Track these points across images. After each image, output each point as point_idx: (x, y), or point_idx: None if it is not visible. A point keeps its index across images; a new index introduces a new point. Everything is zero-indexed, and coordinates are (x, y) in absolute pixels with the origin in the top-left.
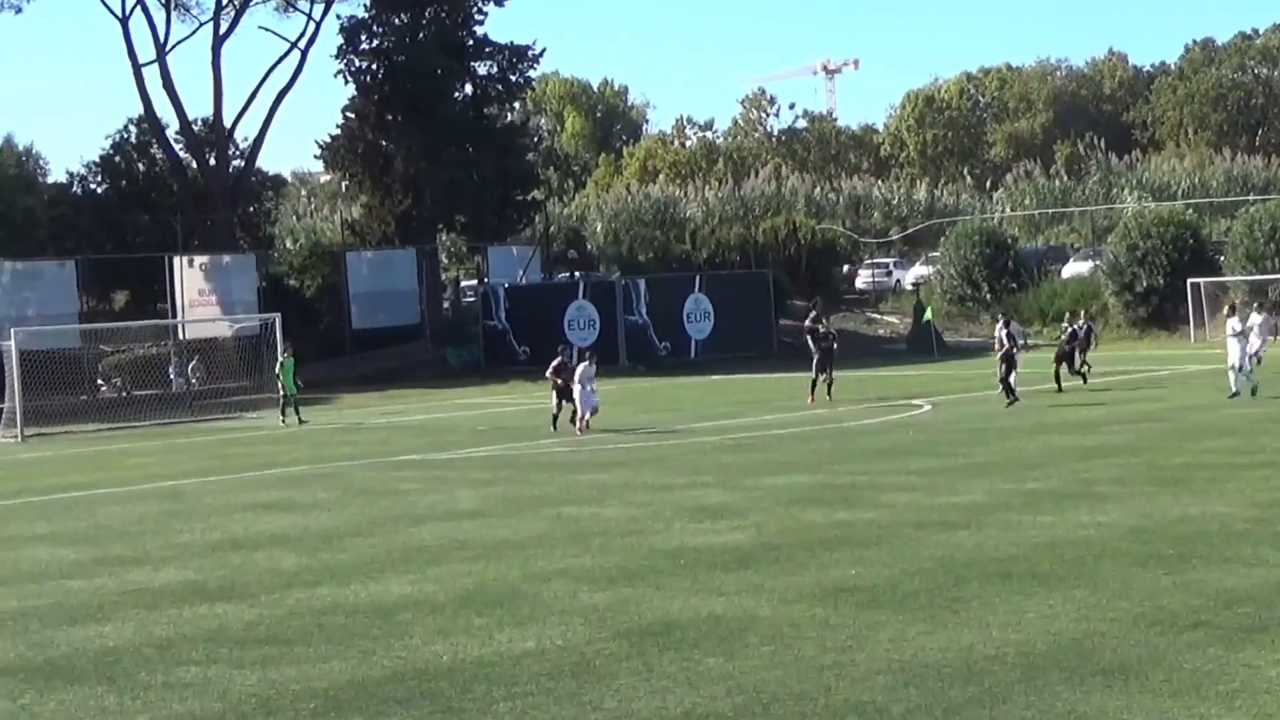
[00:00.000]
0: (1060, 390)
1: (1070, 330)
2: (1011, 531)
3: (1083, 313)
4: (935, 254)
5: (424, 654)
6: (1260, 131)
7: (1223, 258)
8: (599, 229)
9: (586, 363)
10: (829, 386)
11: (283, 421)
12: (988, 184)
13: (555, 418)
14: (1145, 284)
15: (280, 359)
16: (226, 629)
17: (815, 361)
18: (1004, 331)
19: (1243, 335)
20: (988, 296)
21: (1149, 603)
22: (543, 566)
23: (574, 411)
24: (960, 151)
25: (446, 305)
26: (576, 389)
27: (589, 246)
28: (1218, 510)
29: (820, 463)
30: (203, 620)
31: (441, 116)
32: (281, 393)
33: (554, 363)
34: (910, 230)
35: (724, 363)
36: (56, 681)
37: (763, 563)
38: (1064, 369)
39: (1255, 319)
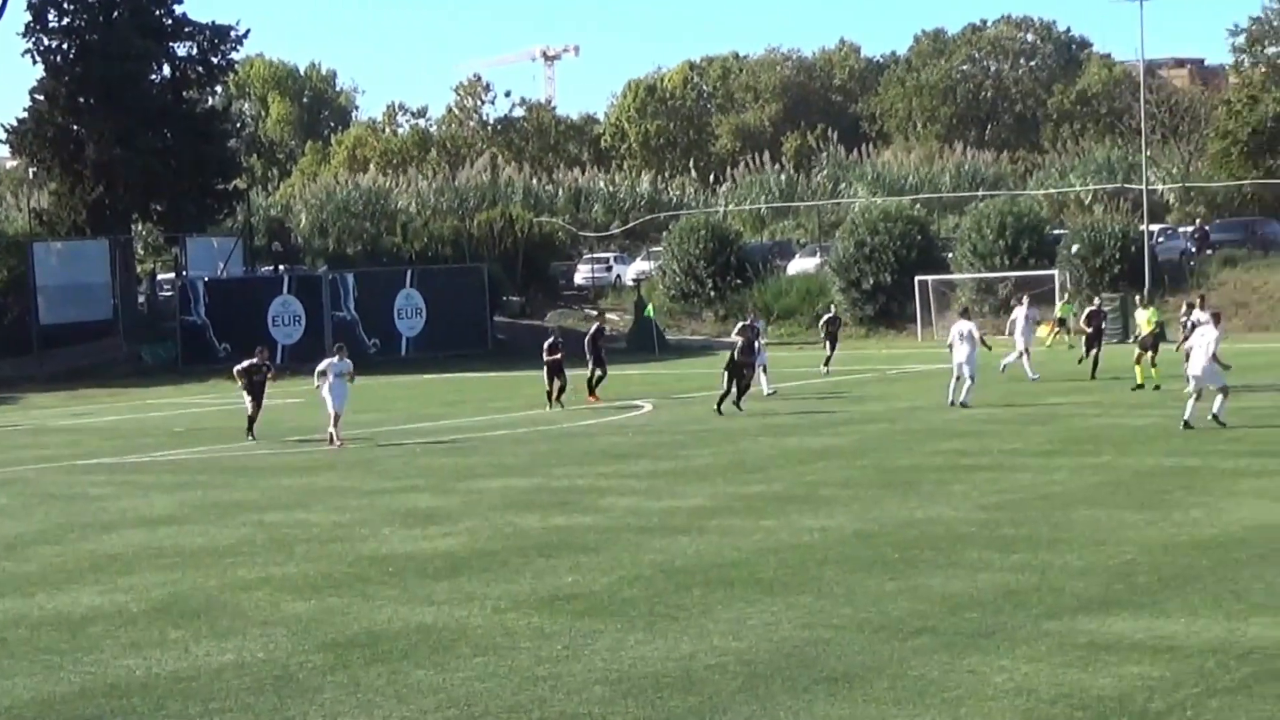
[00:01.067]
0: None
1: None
2: (734, 536)
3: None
4: (658, 249)
5: (116, 668)
6: (990, 125)
7: (951, 255)
8: (305, 220)
9: (337, 357)
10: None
11: None
12: (712, 177)
13: (252, 421)
14: (873, 281)
15: None
16: None
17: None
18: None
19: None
20: (711, 293)
21: (874, 609)
22: (243, 575)
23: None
24: (685, 143)
25: (142, 300)
26: (326, 385)
27: (294, 238)
28: (944, 513)
29: (537, 466)
30: None
31: (137, 100)
32: None
33: (244, 363)
34: (632, 224)
35: (436, 361)
36: None
37: (476, 570)
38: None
39: (1020, 311)
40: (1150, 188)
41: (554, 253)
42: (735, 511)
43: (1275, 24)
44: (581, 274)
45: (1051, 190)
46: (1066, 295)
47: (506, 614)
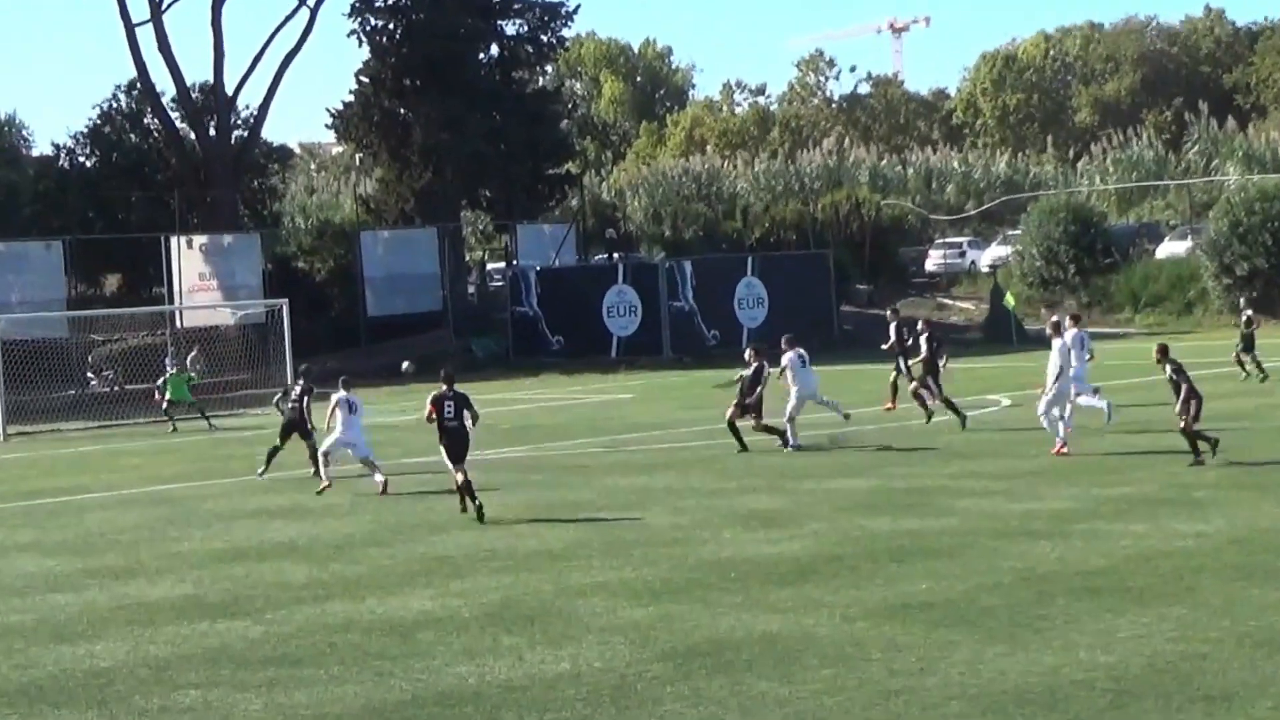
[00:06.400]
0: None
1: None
2: (1100, 542)
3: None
4: (1014, 233)
5: (447, 676)
6: None
7: None
8: (639, 205)
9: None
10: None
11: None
12: (1071, 154)
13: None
14: (1248, 266)
15: (170, 374)
16: (229, 648)
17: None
18: (924, 335)
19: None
20: (1074, 279)
21: (1254, 621)
22: (578, 580)
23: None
24: (1042, 118)
25: (471, 290)
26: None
27: (627, 225)
28: None
29: (882, 464)
30: (203, 638)
31: (465, 81)
32: (168, 401)
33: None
34: (987, 206)
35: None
36: (43, 705)
37: (822, 576)
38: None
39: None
40: None
41: (903, 238)
42: (1101, 515)
43: None
44: (933, 260)
45: None
46: None
47: (856, 623)
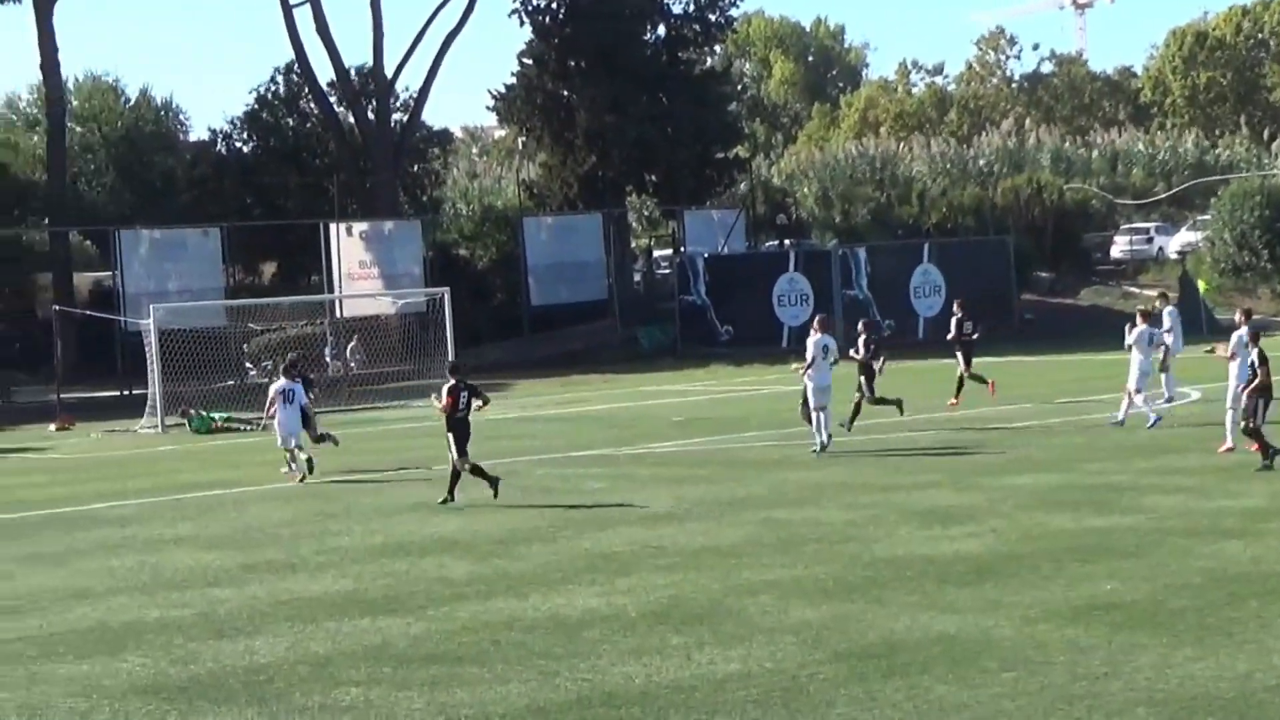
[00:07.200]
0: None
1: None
2: None
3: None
4: (1205, 218)
5: (613, 676)
6: None
7: None
8: (810, 190)
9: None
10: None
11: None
12: (1266, 134)
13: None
14: None
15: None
16: (390, 645)
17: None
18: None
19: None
20: (1267, 266)
21: None
22: (749, 577)
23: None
24: (1235, 97)
25: (637, 278)
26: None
27: (798, 210)
28: None
29: (1068, 460)
30: (364, 635)
31: (630, 62)
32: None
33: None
34: (1176, 190)
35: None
36: (202, 702)
37: (1002, 575)
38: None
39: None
40: None
41: (1087, 223)
42: None
43: None
44: (1119, 247)
45: None
46: None
47: (1037, 625)
